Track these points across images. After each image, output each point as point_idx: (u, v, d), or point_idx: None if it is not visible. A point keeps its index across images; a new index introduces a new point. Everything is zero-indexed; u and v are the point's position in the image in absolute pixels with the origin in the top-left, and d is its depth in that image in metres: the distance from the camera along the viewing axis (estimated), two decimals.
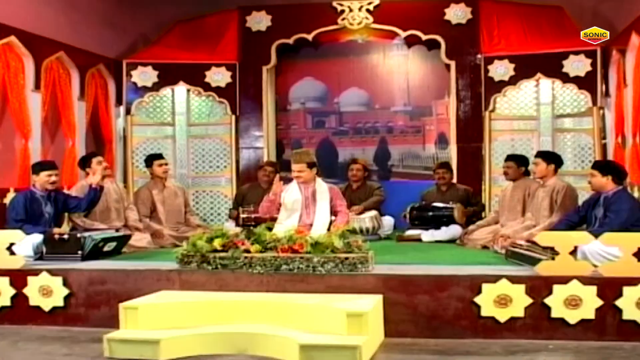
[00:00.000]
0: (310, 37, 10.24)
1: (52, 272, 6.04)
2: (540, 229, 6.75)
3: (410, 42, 10.32)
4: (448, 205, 8.39)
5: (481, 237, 7.69)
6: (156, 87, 10.22)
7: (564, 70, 9.38)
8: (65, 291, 5.99)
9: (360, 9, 10.09)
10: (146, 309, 5.19)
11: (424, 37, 10.04)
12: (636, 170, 8.04)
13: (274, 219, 8.41)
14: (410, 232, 8.40)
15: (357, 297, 5.39)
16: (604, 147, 9.29)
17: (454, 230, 8.26)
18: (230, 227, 8.58)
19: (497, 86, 9.74)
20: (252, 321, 5.23)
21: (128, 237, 7.27)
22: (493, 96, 9.78)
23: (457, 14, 9.94)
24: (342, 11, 10.14)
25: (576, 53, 9.32)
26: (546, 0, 9.93)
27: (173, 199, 8.37)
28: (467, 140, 9.94)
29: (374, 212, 8.57)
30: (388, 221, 8.85)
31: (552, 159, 7.20)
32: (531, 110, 9.87)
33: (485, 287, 5.42)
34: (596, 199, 6.41)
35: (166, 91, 10.37)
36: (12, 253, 6.24)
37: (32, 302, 6.04)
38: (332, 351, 4.69)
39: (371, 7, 10.07)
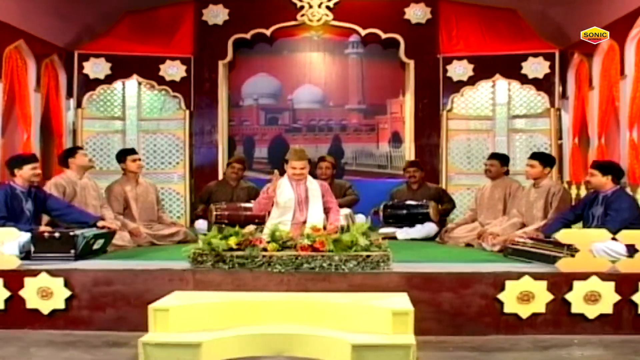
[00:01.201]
0: (268, 32, 10.11)
1: (52, 273, 5.67)
2: (536, 227, 6.90)
3: (367, 40, 10.31)
4: (423, 203, 8.44)
5: (462, 235, 7.78)
6: (109, 79, 9.84)
7: (523, 72, 9.64)
8: (67, 293, 5.64)
9: (320, 6, 10.03)
10: (177, 310, 4.95)
11: (383, 36, 10.08)
12: None
13: (253, 218, 8.31)
14: (385, 230, 8.38)
15: (387, 295, 5.32)
16: (560, 148, 9.58)
17: (429, 228, 8.34)
18: (202, 225, 8.44)
19: (456, 86, 9.91)
20: (286, 322, 5.07)
21: (113, 234, 6.93)
22: (451, 96, 9.92)
23: (416, 13, 10.03)
24: (302, 7, 10.04)
25: (535, 55, 9.59)
26: (499, 3, 10.14)
27: (146, 195, 8.05)
28: (425, 139, 10.04)
29: (347, 210, 8.51)
30: (361, 219, 8.80)
31: (548, 161, 7.36)
32: (487, 111, 10.08)
33: (508, 284, 5.48)
34: (593, 198, 6.59)
35: (117, 84, 9.97)
36: None
37: (30, 304, 5.65)
38: (384, 350, 4.60)
39: (331, 4, 10.02)
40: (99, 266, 5.88)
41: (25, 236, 6.18)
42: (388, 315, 4.85)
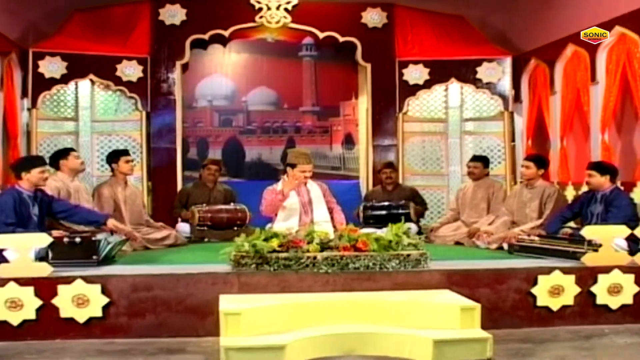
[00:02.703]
0: (226, 33, 9.97)
1: (88, 280, 5.49)
2: (532, 226, 7.28)
3: (325, 43, 10.40)
4: (403, 204, 8.66)
5: (449, 234, 8.08)
6: (65, 79, 9.44)
7: (478, 76, 10.01)
8: (105, 300, 5.48)
9: (278, 8, 9.99)
10: (248, 314, 4.92)
11: (340, 39, 10.16)
12: (565, 170, 8.87)
13: (234, 220, 8.28)
14: (365, 231, 8.51)
15: (437, 292, 5.54)
16: (513, 150, 10.05)
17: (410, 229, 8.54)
18: (184, 228, 8.32)
19: (412, 89, 10.14)
20: (352, 321, 5.16)
21: (126, 240, 6.75)
22: (407, 99, 10.17)
23: (373, 18, 10.20)
24: (260, 9, 9.98)
25: (489, 60, 9.99)
26: (444, 9, 10.49)
27: (134, 198, 7.86)
28: (381, 141, 10.24)
29: None
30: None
31: (542, 163, 7.75)
32: (440, 114, 10.41)
33: (540, 278, 5.80)
34: (590, 196, 7.01)
35: (72, 84, 9.62)
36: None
37: (64, 313, 5.45)
38: (463, 345, 4.80)
39: (289, 7, 10.00)
40: (137, 271, 5.74)
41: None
42: (456, 311, 5.02)
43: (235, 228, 8.47)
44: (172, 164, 9.92)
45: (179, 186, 9.72)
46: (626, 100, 7.95)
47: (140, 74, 9.76)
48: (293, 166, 6.98)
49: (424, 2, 10.38)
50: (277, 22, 10.04)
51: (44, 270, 5.52)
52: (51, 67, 9.35)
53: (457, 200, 8.53)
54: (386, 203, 8.78)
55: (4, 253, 5.76)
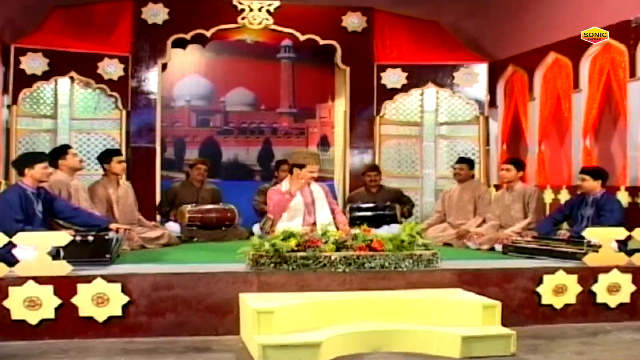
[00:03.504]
0: (208, 34, 9.97)
1: (108, 279, 5.47)
2: (522, 227, 7.54)
3: (303, 46, 10.48)
4: (389, 205, 8.84)
5: (437, 235, 8.28)
6: (46, 75, 9.31)
7: (454, 81, 10.26)
8: (125, 299, 5.47)
9: (260, 10, 10.05)
10: (280, 312, 5.01)
11: (321, 42, 10.27)
12: (542, 174, 9.18)
13: (223, 220, 8.33)
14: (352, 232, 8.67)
15: (452, 291, 5.74)
16: (487, 153, 10.33)
17: (395, 230, 8.68)
18: (173, 227, 8.32)
19: (389, 93, 10.33)
20: (376, 319, 5.30)
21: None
22: (384, 102, 10.35)
23: (353, 22, 10.34)
24: (243, 10, 10.02)
25: (466, 66, 10.25)
26: (418, 15, 10.72)
27: (126, 198, 7.85)
28: (359, 144, 10.39)
29: None
30: None
31: (521, 166, 8.08)
32: (416, 117, 10.62)
33: (545, 277, 6.04)
34: (581, 200, 7.30)
35: (53, 81, 9.51)
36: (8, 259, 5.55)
37: (83, 312, 5.42)
38: (490, 341, 4.99)
39: (272, 9, 10.07)
40: (158, 270, 5.75)
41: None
42: (478, 309, 5.21)
43: (224, 228, 8.55)
44: (151, 163, 9.86)
45: (158, 185, 9.69)
46: (605, 107, 8.30)
47: (122, 73, 9.70)
48: (301, 167, 7.11)
49: (400, 7, 10.59)
50: (259, 24, 10.09)
51: (64, 268, 5.48)
52: (33, 63, 9.22)
53: (443, 203, 8.76)
54: (372, 204, 8.94)
55: (13, 251, 5.68)
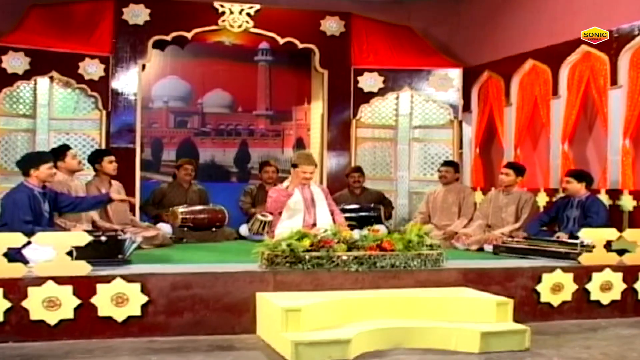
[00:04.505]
0: (189, 35, 10.01)
1: (128, 279, 5.51)
2: (511, 229, 7.83)
3: (282, 49, 10.59)
4: (374, 206, 9.03)
5: None
6: (27, 75, 9.24)
7: (429, 85, 10.53)
8: (144, 298, 5.52)
9: (241, 12, 10.14)
10: (307, 310, 5.14)
11: (300, 45, 10.41)
12: None
13: (214, 221, 8.40)
14: None
15: (459, 289, 5.97)
16: (460, 156, 10.62)
17: (381, 231, 8.91)
18: (165, 228, 8.36)
19: (366, 97, 10.54)
20: (396, 316, 5.48)
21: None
22: (360, 106, 10.55)
23: (331, 26, 10.50)
24: (223, 12, 10.09)
25: (441, 71, 10.53)
26: (390, 20, 10.96)
27: None
28: (336, 146, 10.56)
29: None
30: None
31: (521, 172, 8.30)
32: (391, 121, 10.86)
33: (544, 276, 6.30)
34: (566, 202, 7.61)
35: (32, 81, 9.44)
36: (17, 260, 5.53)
37: (102, 312, 5.44)
38: (507, 336, 5.22)
39: (252, 12, 10.17)
40: (177, 270, 5.80)
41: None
42: (492, 306, 5.44)
43: (214, 229, 8.61)
44: (131, 164, 9.84)
45: (138, 186, 9.69)
46: (581, 113, 8.66)
47: (102, 73, 9.68)
48: (295, 166, 7.23)
49: (374, 12, 10.83)
50: (240, 27, 10.16)
51: (83, 269, 5.50)
52: (14, 62, 9.14)
53: (428, 204, 8.98)
54: (357, 206, 9.11)
55: (23, 252, 5.67)
